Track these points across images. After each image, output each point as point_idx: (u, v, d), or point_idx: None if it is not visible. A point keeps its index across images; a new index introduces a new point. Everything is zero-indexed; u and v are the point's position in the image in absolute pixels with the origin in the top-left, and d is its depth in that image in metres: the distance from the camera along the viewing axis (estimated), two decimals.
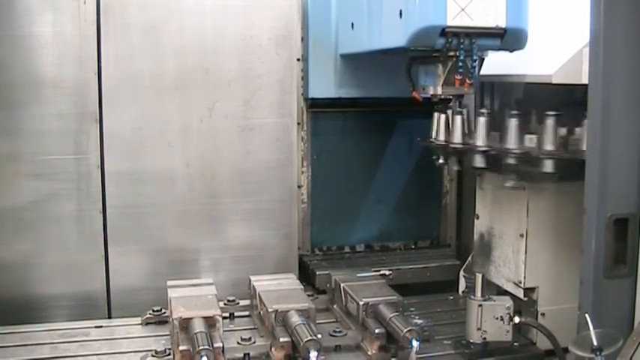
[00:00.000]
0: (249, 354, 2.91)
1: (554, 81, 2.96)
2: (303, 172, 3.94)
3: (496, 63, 3.50)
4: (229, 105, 3.60)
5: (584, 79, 2.72)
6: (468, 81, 2.99)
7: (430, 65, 3.14)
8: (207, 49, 3.54)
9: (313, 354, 2.66)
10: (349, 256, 4.08)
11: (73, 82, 3.39)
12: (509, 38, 2.91)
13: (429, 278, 3.89)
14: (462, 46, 2.86)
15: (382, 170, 4.08)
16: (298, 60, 3.76)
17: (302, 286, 3.29)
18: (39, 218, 3.41)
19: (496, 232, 3.29)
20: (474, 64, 2.93)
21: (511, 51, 2.99)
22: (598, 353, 2.30)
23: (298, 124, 3.81)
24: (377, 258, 4.04)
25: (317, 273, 3.73)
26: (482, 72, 3.55)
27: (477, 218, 3.45)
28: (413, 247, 4.23)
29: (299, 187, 3.88)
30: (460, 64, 2.91)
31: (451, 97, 3.19)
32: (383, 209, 4.13)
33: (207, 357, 2.60)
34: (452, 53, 2.94)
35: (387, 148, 4.08)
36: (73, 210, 3.46)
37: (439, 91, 3.11)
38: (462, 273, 3.70)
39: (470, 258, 3.61)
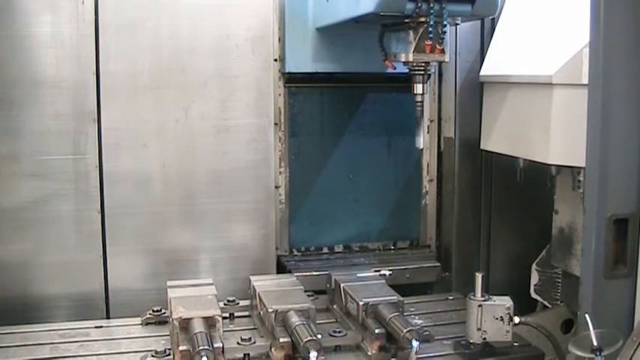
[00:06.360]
0: (249, 354, 2.91)
1: (554, 81, 2.97)
2: (280, 173, 3.91)
3: (496, 63, 3.52)
4: (207, 105, 3.57)
5: (584, 79, 2.73)
6: (438, 47, 2.99)
7: (401, 32, 3.13)
8: (183, 48, 3.51)
9: (313, 354, 2.65)
10: (327, 256, 4.02)
11: (72, 82, 3.38)
12: (480, 4, 2.90)
13: (408, 280, 3.82)
14: (431, 12, 2.86)
15: (361, 170, 4.04)
16: (275, 60, 3.73)
17: (302, 286, 3.28)
18: (37, 218, 3.41)
19: (578, 226, 3.27)
20: (445, 29, 2.94)
21: (482, 18, 2.98)
22: (598, 353, 2.31)
23: (275, 124, 3.77)
24: (356, 259, 3.97)
25: (294, 274, 3.68)
26: (482, 72, 3.59)
27: (556, 213, 3.46)
28: (392, 247, 4.17)
29: (276, 187, 3.86)
30: (430, 29, 2.92)
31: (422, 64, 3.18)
32: (362, 210, 4.08)
33: (207, 357, 2.59)
34: (422, 19, 2.94)
35: (365, 125, 4.02)
36: (71, 210, 3.45)
37: (410, 57, 3.09)
38: (534, 267, 3.65)
39: (544, 252, 3.59)
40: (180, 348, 2.72)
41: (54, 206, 3.42)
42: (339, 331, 3.01)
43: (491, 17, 3.49)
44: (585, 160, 2.61)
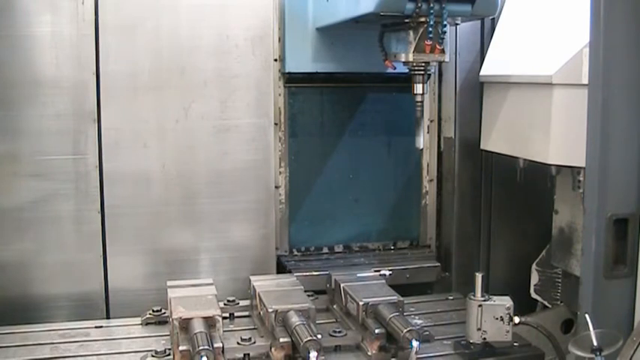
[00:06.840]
0: (249, 354, 2.91)
1: (555, 81, 2.97)
2: (280, 173, 3.91)
3: (496, 63, 3.53)
4: (207, 105, 3.56)
5: (584, 79, 2.73)
6: (438, 47, 3.01)
7: (401, 32, 3.14)
8: (183, 48, 3.51)
9: (313, 354, 2.65)
10: (327, 256, 4.01)
11: (72, 82, 3.38)
12: (480, 4, 2.91)
13: (408, 280, 3.81)
14: (431, 11, 2.87)
15: (361, 170, 4.04)
16: (275, 60, 3.73)
17: (302, 286, 3.28)
18: (37, 218, 3.41)
19: (578, 226, 3.28)
20: (445, 29, 2.95)
21: (482, 18, 2.97)
22: (598, 353, 2.31)
23: (275, 124, 3.78)
24: (356, 259, 3.97)
25: (294, 274, 3.67)
26: (482, 72, 3.59)
27: (556, 213, 3.46)
28: (392, 247, 4.17)
29: (276, 187, 3.86)
30: (430, 29, 2.93)
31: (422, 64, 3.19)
32: (362, 210, 4.08)
33: (207, 357, 2.59)
34: (422, 19, 2.95)
35: (365, 125, 4.01)
36: (71, 210, 3.45)
37: (410, 57, 3.10)
38: (534, 267, 3.64)
39: (544, 252, 3.59)
40: (180, 348, 2.72)
41: (54, 206, 3.42)
42: (339, 331, 3.01)
43: (491, 17, 3.50)
44: (585, 160, 2.60)
